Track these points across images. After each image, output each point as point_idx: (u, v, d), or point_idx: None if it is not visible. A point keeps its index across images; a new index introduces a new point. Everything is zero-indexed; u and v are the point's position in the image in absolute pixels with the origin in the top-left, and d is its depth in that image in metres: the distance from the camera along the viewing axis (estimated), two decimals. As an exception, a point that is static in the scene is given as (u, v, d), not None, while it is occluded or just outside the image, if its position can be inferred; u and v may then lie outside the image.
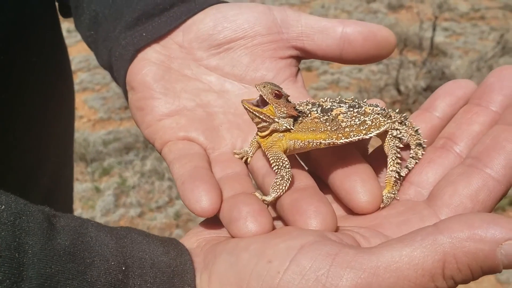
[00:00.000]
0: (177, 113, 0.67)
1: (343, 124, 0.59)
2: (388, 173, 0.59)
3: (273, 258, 0.44)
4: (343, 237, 0.48)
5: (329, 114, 0.60)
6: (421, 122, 0.64)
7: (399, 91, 4.36)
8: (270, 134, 0.61)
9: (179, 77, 0.69)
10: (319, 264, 0.42)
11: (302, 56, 0.70)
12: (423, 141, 0.62)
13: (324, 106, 0.61)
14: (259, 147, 0.64)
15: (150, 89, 0.68)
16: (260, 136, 0.62)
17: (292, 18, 0.68)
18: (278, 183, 0.56)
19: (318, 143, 0.59)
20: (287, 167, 0.57)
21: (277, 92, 0.59)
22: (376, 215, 0.55)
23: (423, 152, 0.61)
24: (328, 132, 0.59)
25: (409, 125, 0.63)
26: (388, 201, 0.57)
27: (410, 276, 0.41)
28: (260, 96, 0.60)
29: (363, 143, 0.65)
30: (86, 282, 0.44)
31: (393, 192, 0.58)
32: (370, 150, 0.68)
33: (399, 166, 0.59)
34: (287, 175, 0.56)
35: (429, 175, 0.58)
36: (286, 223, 0.54)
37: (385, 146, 0.61)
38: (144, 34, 0.69)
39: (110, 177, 3.70)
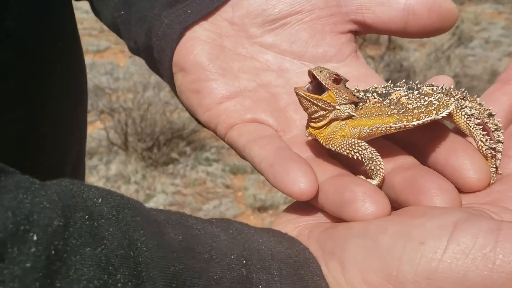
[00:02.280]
0: (239, 95, 0.62)
1: (410, 106, 0.55)
2: (483, 152, 0.55)
3: (425, 238, 0.40)
4: (481, 213, 0.45)
5: (389, 98, 0.56)
6: (502, 95, 0.60)
7: (360, 85, 4.43)
8: (328, 124, 0.55)
9: (234, 57, 0.64)
10: (483, 241, 0.39)
11: (360, 31, 0.66)
12: (490, 109, 0.59)
13: (379, 91, 0.56)
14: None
15: (206, 70, 0.63)
16: (314, 127, 0.55)
17: None
18: (372, 167, 0.51)
19: (387, 128, 0.54)
20: (366, 147, 0.52)
21: (337, 77, 0.54)
22: (488, 192, 0.52)
23: (498, 120, 0.58)
24: (396, 115, 0.54)
25: (471, 99, 0.59)
26: (493, 176, 0.54)
27: None
28: (313, 82, 0.55)
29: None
30: (212, 280, 0.38)
31: (493, 166, 0.55)
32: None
33: (491, 141, 0.56)
34: (373, 154, 0.51)
35: None
36: (400, 205, 0.49)
37: (464, 129, 0.57)
38: (189, 11, 0.64)
39: (74, 183, 3.60)
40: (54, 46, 0.77)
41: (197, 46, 0.63)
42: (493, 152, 0.55)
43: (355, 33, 0.66)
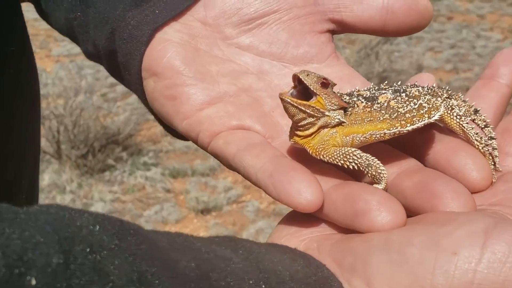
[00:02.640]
0: (220, 100, 0.58)
1: (401, 110, 0.52)
2: (481, 151, 0.54)
3: (457, 248, 0.38)
4: (501, 216, 0.44)
5: (377, 102, 0.53)
6: (489, 91, 0.59)
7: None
8: (316, 132, 0.52)
9: (211, 59, 0.60)
10: None
11: (338, 30, 0.64)
12: (474, 105, 0.58)
13: (364, 95, 0.54)
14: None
15: (181, 74, 0.58)
16: (300, 136, 0.52)
17: None
18: (373, 172, 0.49)
19: (381, 135, 0.51)
20: (361, 155, 0.49)
21: (324, 81, 0.50)
22: (494, 192, 0.50)
23: (484, 115, 0.57)
24: (388, 120, 0.51)
25: (456, 96, 0.58)
26: (493, 175, 0.52)
27: None
28: (297, 86, 0.51)
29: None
30: None
31: (492, 164, 0.54)
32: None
33: (485, 138, 0.54)
34: (370, 160, 0.49)
35: None
36: (411, 211, 0.47)
37: (457, 130, 0.55)
38: (157, 11, 0.59)
39: (3, 197, 3.41)
40: (5, 49, 0.72)
41: (169, 48, 0.59)
42: (489, 149, 0.54)
43: (332, 32, 0.64)
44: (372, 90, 0.55)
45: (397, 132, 0.52)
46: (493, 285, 0.37)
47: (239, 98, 0.59)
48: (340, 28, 0.63)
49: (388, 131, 0.52)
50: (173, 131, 0.66)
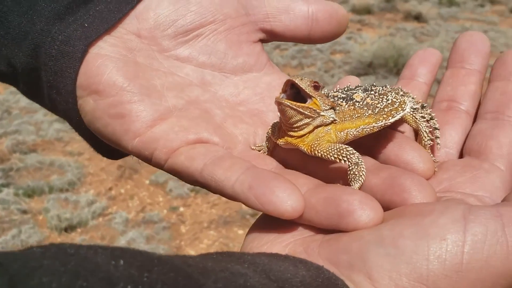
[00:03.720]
0: (170, 115, 0.57)
1: (380, 106, 0.58)
2: (424, 143, 0.61)
3: (444, 234, 0.42)
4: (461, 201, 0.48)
5: (355, 100, 0.58)
6: (413, 89, 0.67)
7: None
8: (311, 131, 0.56)
9: (154, 73, 0.59)
10: (493, 227, 0.42)
11: (267, 40, 0.67)
12: (421, 101, 0.64)
13: (339, 96, 0.59)
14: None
15: (126, 91, 0.56)
16: (294, 136, 0.56)
17: None
18: (355, 172, 0.52)
19: (371, 128, 0.57)
20: (354, 152, 0.53)
21: (316, 84, 0.55)
22: (438, 180, 0.56)
23: (430, 110, 0.63)
24: (373, 115, 0.57)
25: (407, 94, 0.64)
26: (435, 165, 0.58)
27: None
28: (287, 91, 0.55)
29: None
30: None
31: (432, 155, 0.60)
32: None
33: (430, 133, 0.61)
34: (359, 159, 0.52)
35: (453, 135, 0.62)
36: (382, 206, 0.49)
37: (411, 122, 0.62)
38: (86, 24, 0.56)
39: None
40: None
41: (108, 64, 0.57)
42: (432, 142, 0.62)
43: (262, 41, 0.67)
44: (343, 91, 0.60)
45: (383, 125, 0.58)
46: (478, 263, 0.41)
47: (189, 111, 0.59)
48: (270, 37, 0.66)
49: (376, 124, 0.58)
50: (105, 151, 0.64)
